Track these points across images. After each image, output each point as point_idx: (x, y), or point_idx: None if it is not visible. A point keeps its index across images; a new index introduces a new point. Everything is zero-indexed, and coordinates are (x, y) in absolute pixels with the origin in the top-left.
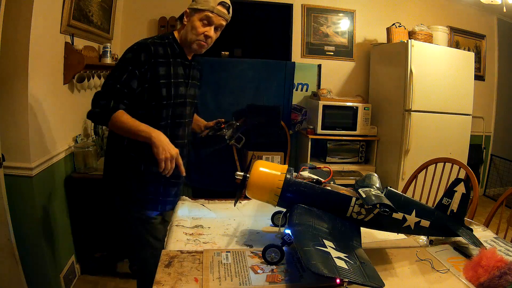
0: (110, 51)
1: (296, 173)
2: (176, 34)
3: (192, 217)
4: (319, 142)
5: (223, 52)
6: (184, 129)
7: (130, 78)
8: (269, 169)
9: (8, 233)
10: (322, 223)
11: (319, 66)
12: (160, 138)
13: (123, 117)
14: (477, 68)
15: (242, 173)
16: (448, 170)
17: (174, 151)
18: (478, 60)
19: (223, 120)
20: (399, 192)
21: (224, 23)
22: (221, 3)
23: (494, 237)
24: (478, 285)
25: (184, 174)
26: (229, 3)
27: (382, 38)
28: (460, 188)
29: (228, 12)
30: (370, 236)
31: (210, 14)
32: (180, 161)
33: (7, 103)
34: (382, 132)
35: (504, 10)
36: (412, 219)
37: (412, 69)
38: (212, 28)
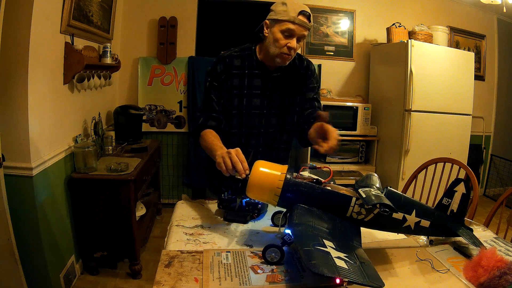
0: (110, 51)
1: (296, 173)
2: (258, 46)
3: (192, 217)
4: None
5: (222, 52)
6: (258, 139)
7: (211, 89)
8: (269, 169)
9: (8, 233)
10: (322, 223)
11: (319, 66)
12: (218, 153)
13: (205, 137)
14: (477, 68)
15: None
16: (448, 170)
17: (232, 150)
18: (478, 60)
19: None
20: (399, 192)
21: (306, 33)
22: (301, 13)
23: (494, 237)
24: (478, 285)
25: (243, 174)
26: (310, 12)
27: (382, 38)
28: (460, 188)
29: (309, 21)
30: (370, 236)
31: (292, 26)
32: (238, 158)
33: (7, 103)
34: (382, 132)
35: (504, 10)
36: (412, 219)
37: (412, 69)
38: (295, 39)
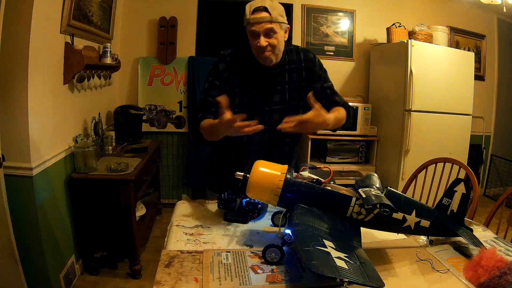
0: (110, 51)
1: (296, 173)
2: None
3: (192, 217)
4: (319, 142)
5: (222, 52)
6: (262, 136)
7: (211, 88)
8: (269, 169)
9: (8, 233)
10: (322, 223)
11: None
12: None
13: (205, 122)
14: (477, 68)
15: (242, 173)
16: (448, 170)
17: (225, 118)
18: (478, 60)
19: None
20: (399, 192)
21: (269, 25)
22: (255, 10)
23: (494, 237)
24: (478, 285)
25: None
26: (266, 4)
27: (382, 38)
28: (460, 188)
29: (269, 14)
30: (370, 236)
31: (250, 27)
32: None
33: (7, 103)
34: (382, 132)
35: (504, 10)
36: (412, 219)
37: (412, 69)
38: (261, 37)
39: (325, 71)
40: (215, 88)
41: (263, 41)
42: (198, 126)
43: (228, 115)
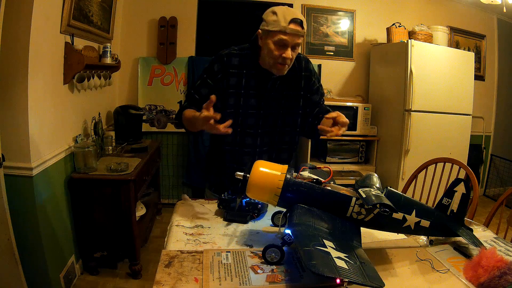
0: (110, 51)
1: (296, 173)
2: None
3: (192, 217)
4: (319, 142)
5: (221, 51)
6: (255, 139)
7: (202, 86)
8: (269, 169)
9: (8, 233)
10: (322, 223)
11: (319, 66)
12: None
13: (188, 111)
14: (477, 68)
15: (242, 173)
16: (448, 170)
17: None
18: (478, 60)
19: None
20: (399, 192)
21: (300, 41)
22: (293, 21)
23: (494, 237)
24: (478, 285)
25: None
26: (302, 18)
27: (382, 38)
28: (460, 188)
29: (302, 27)
30: (370, 236)
31: (284, 36)
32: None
33: (7, 103)
34: (382, 132)
35: (504, 10)
36: (412, 219)
37: (412, 69)
38: (289, 49)
39: (321, 84)
40: (206, 87)
41: (289, 53)
42: (181, 113)
43: (206, 112)
